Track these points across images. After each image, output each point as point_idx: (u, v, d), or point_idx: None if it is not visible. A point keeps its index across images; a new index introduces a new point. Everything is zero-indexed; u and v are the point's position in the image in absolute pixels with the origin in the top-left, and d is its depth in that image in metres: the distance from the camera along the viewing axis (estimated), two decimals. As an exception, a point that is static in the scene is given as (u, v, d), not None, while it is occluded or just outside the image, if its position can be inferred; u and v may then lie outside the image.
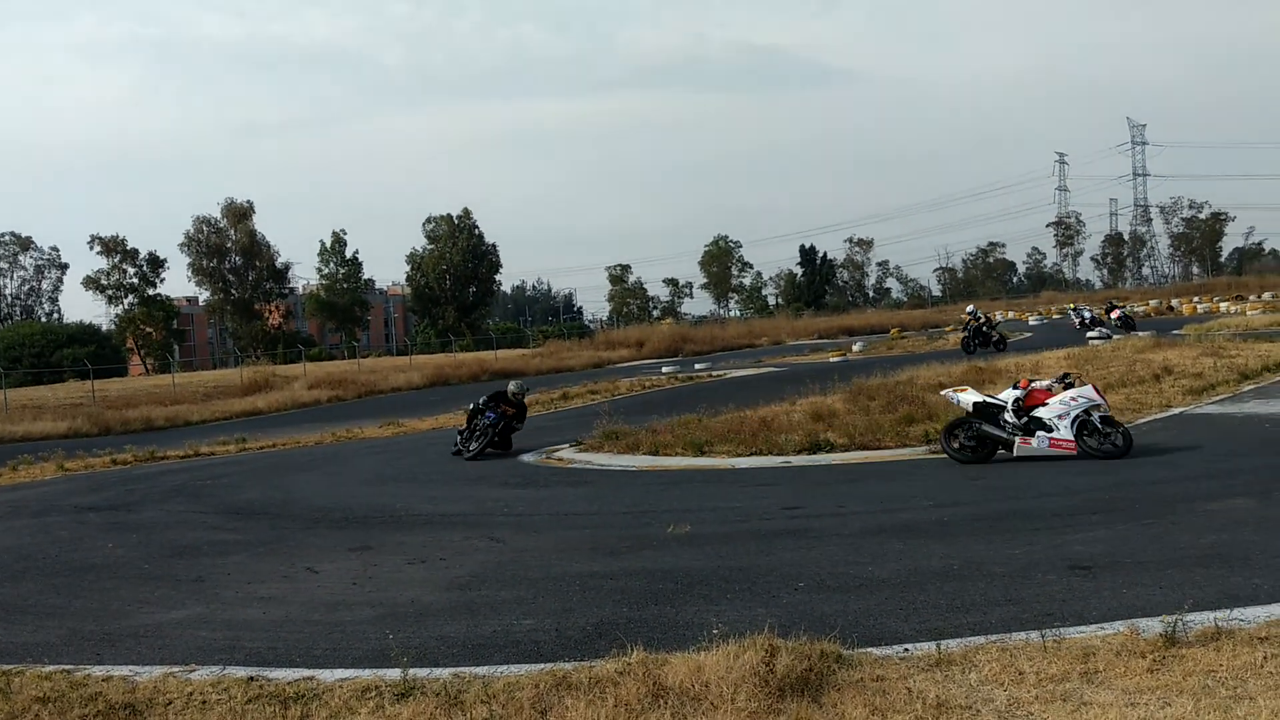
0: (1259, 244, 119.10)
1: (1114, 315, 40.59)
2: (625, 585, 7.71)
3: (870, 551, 8.29)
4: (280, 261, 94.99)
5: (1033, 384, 13.25)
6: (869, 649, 5.68)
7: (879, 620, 6.35)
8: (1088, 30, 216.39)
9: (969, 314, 36.90)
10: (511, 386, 18.63)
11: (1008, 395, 13.15)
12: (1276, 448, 12.30)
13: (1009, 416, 12.87)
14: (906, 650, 5.64)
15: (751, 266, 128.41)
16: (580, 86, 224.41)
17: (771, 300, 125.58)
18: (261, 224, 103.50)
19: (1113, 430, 12.70)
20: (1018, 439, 12.67)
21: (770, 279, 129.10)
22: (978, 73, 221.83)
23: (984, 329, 35.52)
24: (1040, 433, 12.66)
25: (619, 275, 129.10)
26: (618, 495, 12.71)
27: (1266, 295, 63.27)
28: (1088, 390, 13.05)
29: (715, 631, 5.76)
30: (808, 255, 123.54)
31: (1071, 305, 53.05)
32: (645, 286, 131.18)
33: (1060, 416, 12.69)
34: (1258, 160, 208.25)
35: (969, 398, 13.43)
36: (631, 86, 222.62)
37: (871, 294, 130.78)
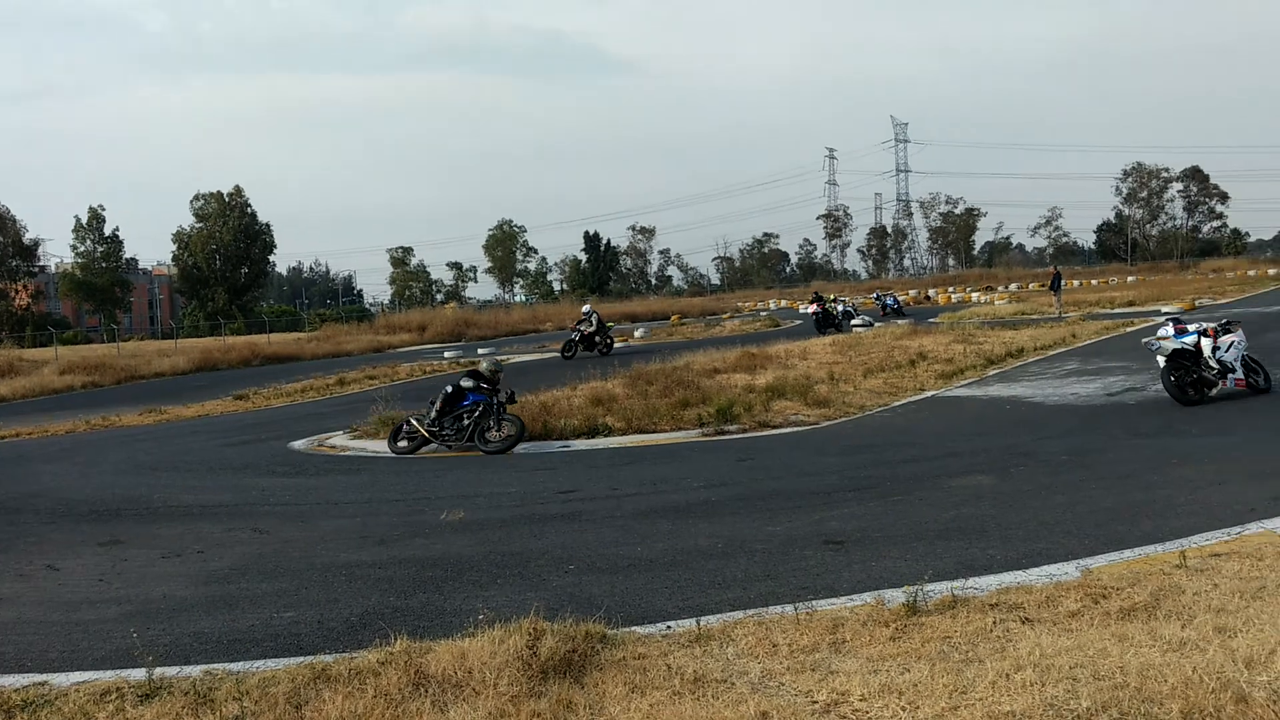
0: (1007, 239, 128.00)
1: (890, 301, 44.11)
2: (393, 574, 7.56)
3: (641, 532, 8.44)
4: (29, 238, 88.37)
5: (1208, 330, 14.52)
6: (633, 628, 5.77)
7: (645, 599, 6.47)
8: (853, 31, 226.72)
9: (815, 299, 38.63)
10: (486, 366, 15.89)
11: (1195, 341, 14.37)
12: (1015, 427, 13.26)
13: (1211, 361, 14.24)
14: (669, 628, 5.77)
15: (536, 252, 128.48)
16: (362, 64, 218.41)
17: (557, 286, 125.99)
18: (7, 197, 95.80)
19: (1260, 369, 14.70)
20: (1219, 381, 14.24)
21: (555, 265, 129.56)
22: (754, 68, 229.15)
23: (830, 311, 37.74)
24: (1229, 374, 14.33)
25: (401, 258, 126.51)
26: (391, 483, 12.45)
27: (1013, 286, 68.23)
28: (1242, 334, 14.79)
29: (482, 617, 5.72)
30: (592, 242, 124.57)
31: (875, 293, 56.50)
32: (429, 270, 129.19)
33: (1236, 360, 14.41)
34: (1006, 160, 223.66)
35: (1170, 344, 14.46)
36: (415, 67, 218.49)
37: (654, 281, 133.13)
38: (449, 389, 15.14)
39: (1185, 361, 14.33)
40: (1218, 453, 10.45)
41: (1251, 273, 67.06)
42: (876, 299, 48.15)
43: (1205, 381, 14.28)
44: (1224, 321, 15.11)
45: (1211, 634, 4.83)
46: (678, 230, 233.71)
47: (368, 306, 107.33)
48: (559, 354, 33.12)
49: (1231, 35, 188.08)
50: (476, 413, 14.70)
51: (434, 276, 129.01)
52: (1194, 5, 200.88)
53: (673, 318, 61.37)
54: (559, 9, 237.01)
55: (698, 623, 5.71)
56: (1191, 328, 14.73)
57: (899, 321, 33.54)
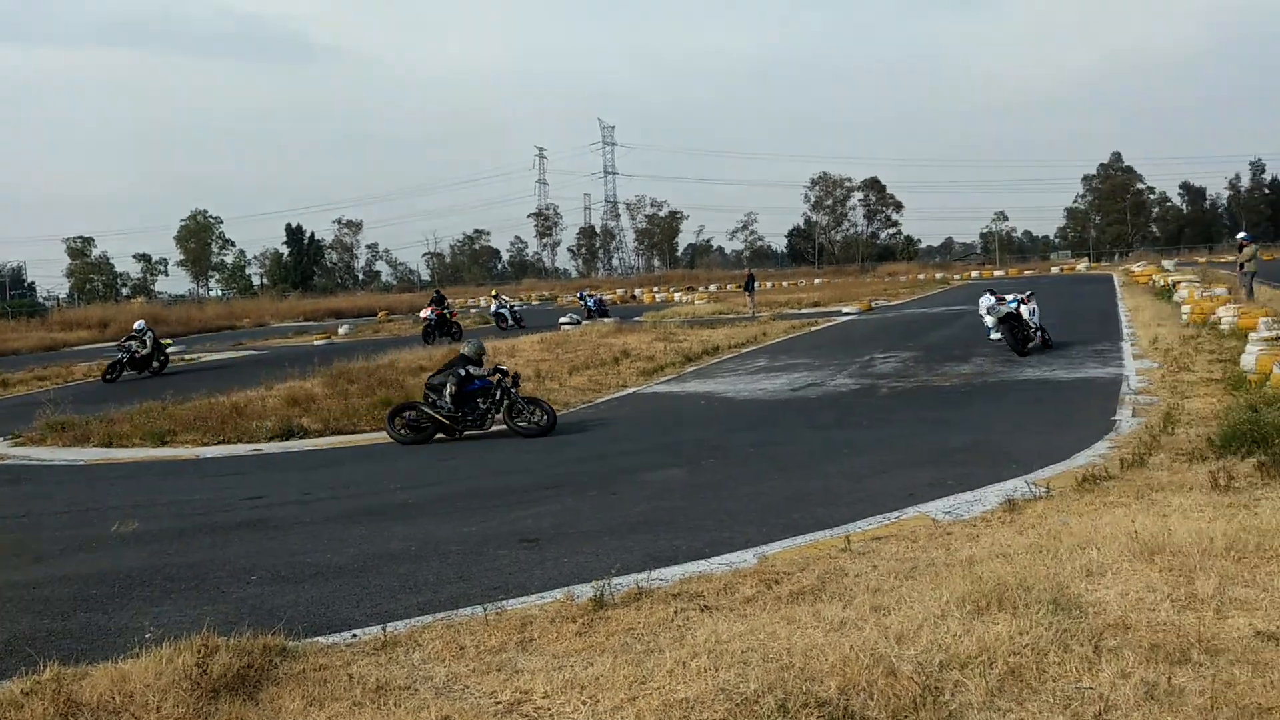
0: (708, 241, 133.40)
1: (591, 303, 44.04)
2: (50, 594, 6.93)
3: (331, 538, 8.17)
4: None
5: (1023, 299, 19.59)
6: (316, 639, 5.56)
7: (331, 608, 6.25)
8: (562, 31, 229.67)
9: (434, 300, 36.95)
10: (472, 349, 14.91)
11: (1016, 306, 19.39)
12: (709, 422, 13.85)
13: (1030, 321, 19.25)
14: (354, 636, 5.60)
15: (234, 244, 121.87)
16: (36, 36, 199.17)
17: (256, 280, 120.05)
18: None
19: (1045, 331, 19.84)
20: (1035, 336, 19.37)
21: (255, 258, 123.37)
22: (465, 62, 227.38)
23: (447, 317, 34.93)
24: (1038, 331, 19.39)
25: (80, 249, 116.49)
26: (57, 493, 11.45)
27: (713, 287, 71.22)
28: (1036, 304, 19.94)
29: (149, 636, 5.34)
30: (294, 235, 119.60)
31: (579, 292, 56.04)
32: (113, 262, 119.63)
33: (1037, 321, 19.39)
34: (708, 166, 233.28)
35: (1004, 309, 19.33)
36: (99, 41, 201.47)
37: (361, 276, 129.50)
38: (461, 373, 14.20)
39: (1014, 322, 19.04)
40: (884, 443, 11.33)
41: (921, 276, 73.29)
42: (580, 298, 48.76)
43: (1028, 337, 19.13)
44: (1029, 293, 20.18)
45: (869, 613, 5.20)
46: (387, 224, 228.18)
47: (41, 300, 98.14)
48: (253, 352, 31.40)
49: (905, 54, 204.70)
50: (493, 395, 14.17)
51: (120, 269, 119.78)
52: (870, 26, 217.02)
53: (380, 314, 59.92)
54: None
55: (384, 629, 5.57)
56: (1009, 297, 19.79)
57: (604, 320, 34.28)
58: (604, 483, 9.88)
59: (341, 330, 43.74)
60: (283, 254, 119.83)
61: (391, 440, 13.66)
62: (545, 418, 13.94)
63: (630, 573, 6.37)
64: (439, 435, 13.89)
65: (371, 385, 17.83)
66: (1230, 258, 35.75)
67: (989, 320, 19.68)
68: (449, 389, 14.07)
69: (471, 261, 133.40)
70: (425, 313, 35.05)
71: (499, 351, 23.71)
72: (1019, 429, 11.65)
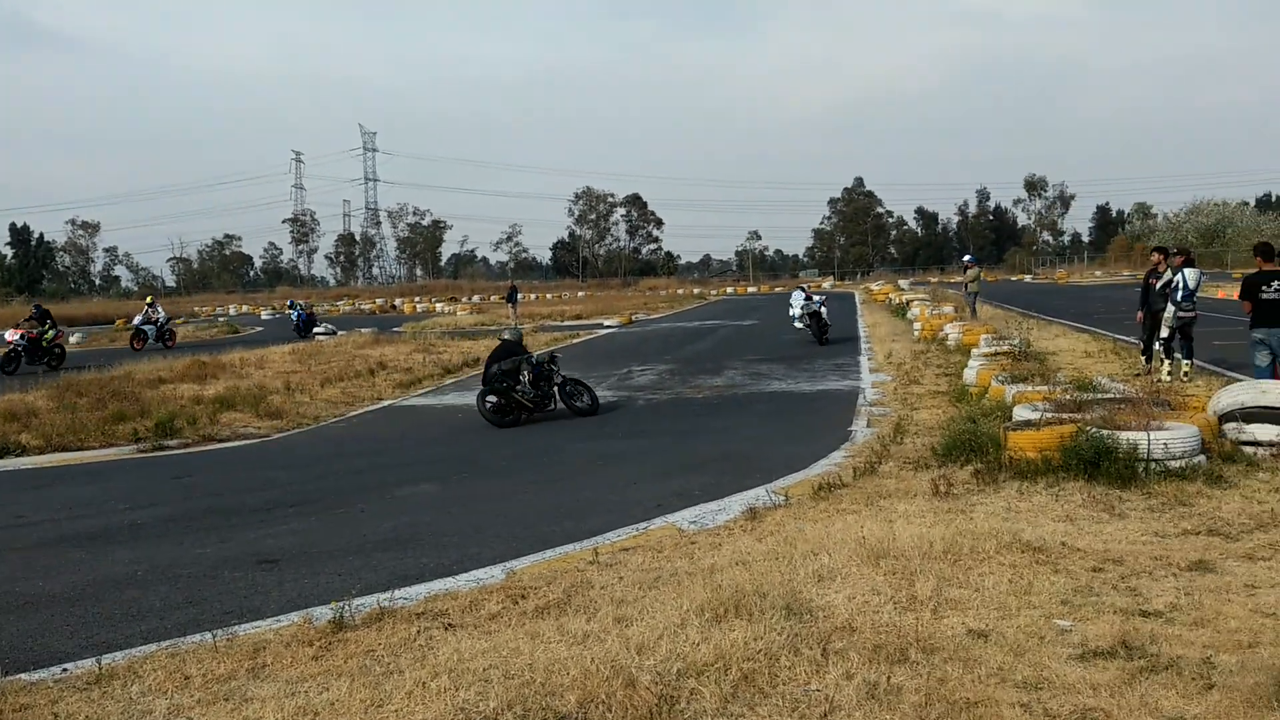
0: (472, 251, 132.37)
1: (296, 314, 40.40)
2: None
3: (45, 565, 7.53)
4: None
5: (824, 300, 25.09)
6: (19, 676, 5.10)
7: (41, 641, 5.75)
8: (322, 31, 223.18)
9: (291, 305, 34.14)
10: (512, 334, 16.25)
11: (819, 306, 24.78)
12: (465, 435, 13.70)
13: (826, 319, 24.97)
14: (65, 670, 5.17)
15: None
16: None
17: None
18: None
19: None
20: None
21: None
22: (216, 58, 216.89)
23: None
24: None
25: None
26: None
27: (476, 298, 70.78)
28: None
29: None
30: (20, 235, 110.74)
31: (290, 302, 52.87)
32: None
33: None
34: (472, 176, 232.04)
35: (812, 307, 24.39)
36: None
37: (98, 281, 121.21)
38: (532, 359, 15.28)
39: (818, 318, 24.38)
40: (636, 454, 11.54)
41: (680, 291, 75.41)
42: (291, 306, 45.91)
43: (824, 330, 24.56)
44: (824, 297, 25.99)
45: (611, 625, 5.24)
46: (128, 227, 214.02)
47: None
48: None
49: (666, 76, 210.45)
50: (554, 379, 15.22)
51: None
52: (634, 47, 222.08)
53: (117, 322, 56.13)
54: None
55: (99, 662, 5.17)
56: (816, 297, 25.27)
57: (317, 333, 33.28)
58: (352, 499, 9.58)
59: (73, 339, 40.70)
60: (5, 255, 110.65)
61: (128, 458, 12.81)
62: (590, 399, 15.46)
63: (374, 592, 6.19)
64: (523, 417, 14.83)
65: (104, 398, 16.63)
66: (958, 278, 38.76)
67: (797, 311, 24.50)
68: (525, 374, 14.98)
69: (221, 268, 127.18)
70: (10, 335, 26.97)
71: (247, 363, 22.66)
72: (764, 439, 12.10)
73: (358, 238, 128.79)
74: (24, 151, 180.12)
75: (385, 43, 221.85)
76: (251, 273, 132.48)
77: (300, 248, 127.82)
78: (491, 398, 14.65)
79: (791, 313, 24.85)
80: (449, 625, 5.51)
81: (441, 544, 7.59)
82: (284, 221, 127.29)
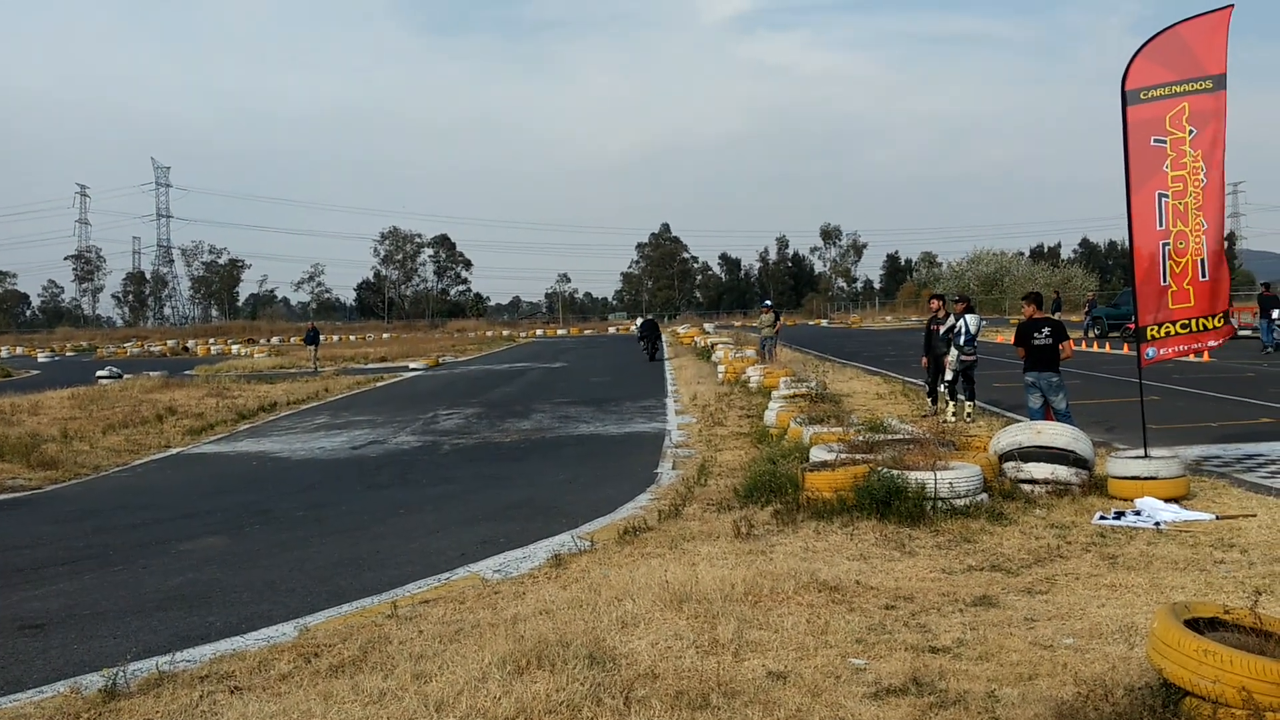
0: (272, 291, 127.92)
1: None
2: None
3: None
4: None
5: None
6: None
7: None
8: (113, 59, 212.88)
9: None
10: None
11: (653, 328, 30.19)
12: (258, 484, 13.11)
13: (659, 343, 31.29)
14: None
15: None
16: None
17: None
18: None
19: None
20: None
21: None
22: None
23: None
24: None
25: None
26: None
27: (275, 339, 68.30)
28: None
29: None
30: None
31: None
32: None
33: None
34: (272, 214, 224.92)
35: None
36: None
37: None
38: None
39: (652, 338, 32.12)
40: (441, 501, 11.29)
41: (489, 333, 74.95)
42: None
43: (656, 349, 30.57)
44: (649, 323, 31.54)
45: (410, 681, 5.05)
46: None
47: None
48: None
49: (475, 115, 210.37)
50: None
51: None
52: (443, 86, 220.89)
53: None
54: None
55: None
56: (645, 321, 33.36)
57: (151, 374, 31.67)
58: (132, 555, 8.99)
59: None
60: None
61: None
62: None
63: (153, 655, 5.80)
64: None
65: None
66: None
67: (636, 332, 33.15)
68: None
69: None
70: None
71: (19, 409, 21.12)
72: (571, 484, 12.06)
73: (148, 276, 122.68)
74: None
75: (181, 74, 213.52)
76: (28, 312, 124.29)
77: (84, 286, 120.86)
78: None
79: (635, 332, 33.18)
80: (235, 689, 5.20)
81: (229, 601, 7.19)
82: (66, 258, 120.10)
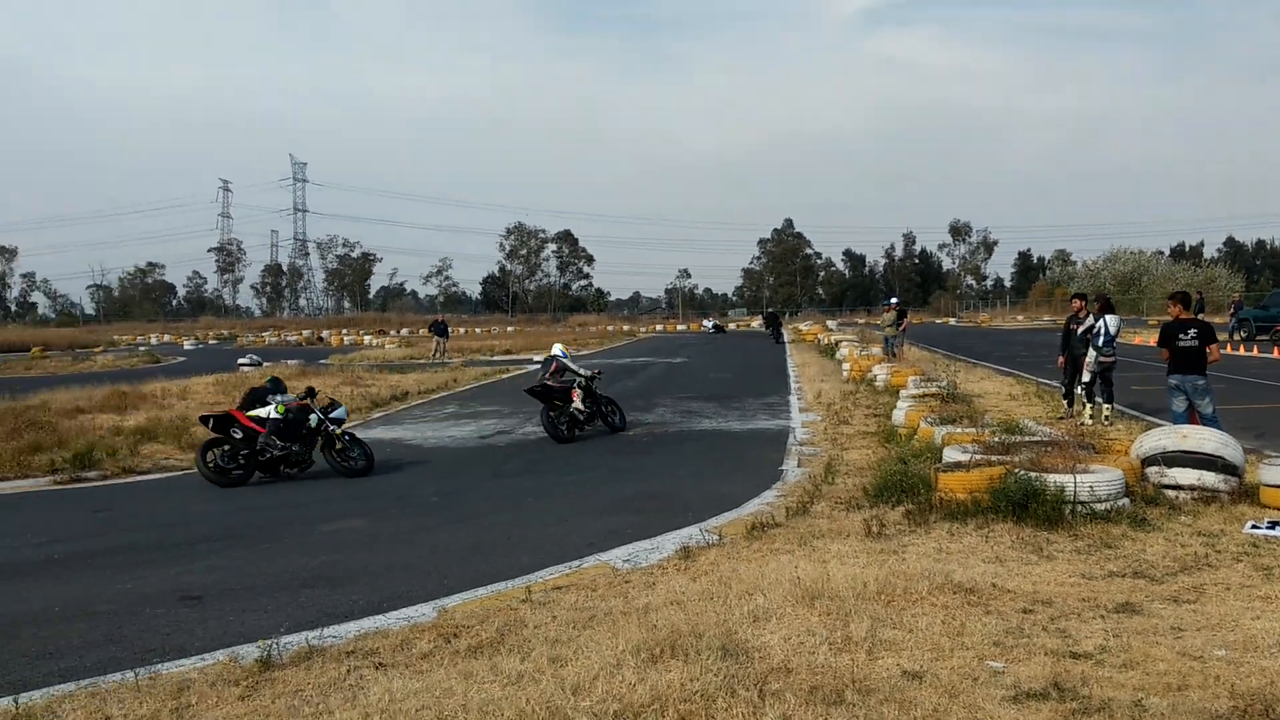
0: (401, 284, 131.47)
1: None
2: None
3: (-44, 600, 7.26)
4: None
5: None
6: (-70, 715, 4.90)
7: (-49, 681, 5.53)
8: (255, 62, 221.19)
9: None
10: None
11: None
12: (391, 470, 13.49)
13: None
14: (-21, 711, 4.98)
15: None
16: None
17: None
18: None
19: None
20: None
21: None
22: (145, 85, 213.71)
23: None
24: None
25: None
26: None
27: (405, 331, 70.11)
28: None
29: None
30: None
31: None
32: None
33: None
34: (403, 209, 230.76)
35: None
36: None
37: (14, 308, 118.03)
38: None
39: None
40: (567, 491, 11.47)
41: (610, 328, 75.50)
42: None
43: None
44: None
45: (546, 665, 5.18)
46: (47, 252, 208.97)
47: None
48: None
49: (599, 113, 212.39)
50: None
51: None
52: (566, 83, 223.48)
53: (33, 349, 54.58)
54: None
55: (15, 701, 4.98)
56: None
57: (288, 363, 32.84)
58: (278, 534, 9.39)
59: (-16, 365, 39.56)
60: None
61: (43, 489, 12.42)
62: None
63: (302, 630, 6.06)
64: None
65: (19, 428, 16.10)
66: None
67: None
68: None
69: (143, 296, 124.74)
70: None
71: (170, 394, 22.18)
72: (695, 478, 12.11)
73: (285, 268, 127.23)
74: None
75: (320, 73, 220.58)
76: (174, 302, 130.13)
77: (225, 277, 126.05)
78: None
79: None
80: (380, 665, 5.41)
81: (371, 581, 7.45)
82: (209, 250, 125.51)
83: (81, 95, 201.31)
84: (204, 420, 13.21)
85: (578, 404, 15.99)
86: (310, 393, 13.62)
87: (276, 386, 13.51)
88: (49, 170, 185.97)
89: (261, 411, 12.83)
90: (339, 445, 13.14)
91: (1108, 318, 14.27)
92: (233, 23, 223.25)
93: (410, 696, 4.83)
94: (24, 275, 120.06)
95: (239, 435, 12.60)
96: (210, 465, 12.45)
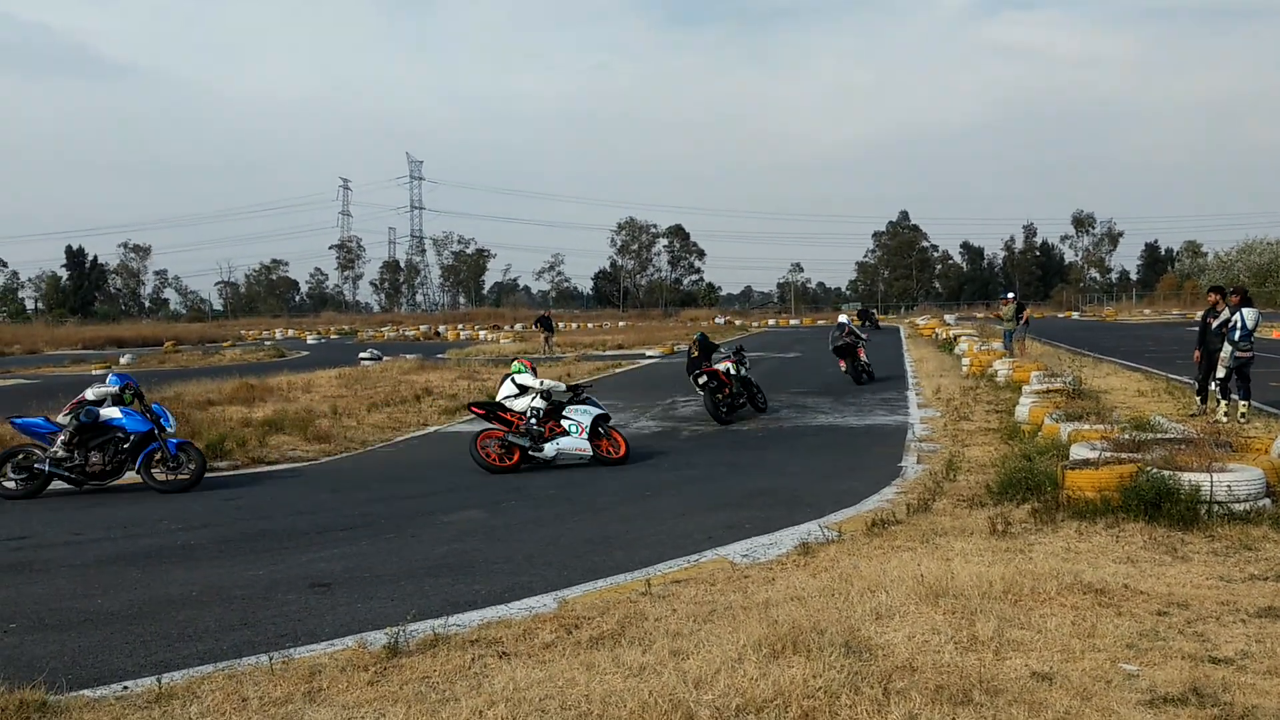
0: (515, 280, 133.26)
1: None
2: None
3: (104, 582, 7.60)
4: None
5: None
6: (83, 691, 5.13)
7: (101, 658, 5.79)
8: (371, 65, 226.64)
9: None
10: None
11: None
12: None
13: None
14: (126, 688, 5.19)
15: (6, 265, 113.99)
16: None
17: (30, 305, 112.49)
18: None
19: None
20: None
21: (29, 280, 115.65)
22: (267, 88, 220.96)
23: None
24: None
25: None
26: None
27: (519, 326, 71.01)
28: None
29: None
30: (75, 258, 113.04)
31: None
32: None
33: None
34: (515, 206, 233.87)
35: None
36: None
37: (148, 304, 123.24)
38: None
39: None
40: (684, 485, 11.48)
41: (721, 322, 75.42)
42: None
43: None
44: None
45: (668, 657, 5.19)
46: (177, 250, 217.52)
47: None
48: (22, 381, 28.83)
49: (710, 109, 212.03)
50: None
51: None
52: (677, 79, 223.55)
53: (166, 344, 56.94)
54: (49, 3, 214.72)
55: (159, 681, 5.20)
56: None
57: (406, 356, 33.62)
58: (401, 524, 9.61)
59: (123, 360, 41.42)
60: (61, 277, 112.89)
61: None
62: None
63: (427, 618, 6.18)
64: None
65: (154, 419, 16.82)
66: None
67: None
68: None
69: (268, 292, 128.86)
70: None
71: (294, 387, 22.90)
72: (812, 474, 12.00)
73: (402, 265, 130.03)
74: (80, 176, 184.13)
75: (433, 74, 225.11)
76: (297, 297, 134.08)
77: (346, 274, 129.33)
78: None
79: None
80: (503, 653, 5.49)
81: (492, 571, 7.57)
82: (330, 247, 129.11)
83: (208, 99, 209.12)
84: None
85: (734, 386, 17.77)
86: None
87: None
88: (180, 171, 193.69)
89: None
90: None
91: (1245, 310, 13.67)
92: (348, 25, 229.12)
93: (534, 686, 4.89)
94: (157, 273, 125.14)
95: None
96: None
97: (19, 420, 12.64)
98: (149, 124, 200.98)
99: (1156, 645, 5.19)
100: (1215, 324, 14.28)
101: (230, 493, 11.87)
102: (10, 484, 11.73)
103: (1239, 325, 13.54)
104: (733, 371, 17.89)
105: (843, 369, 23.73)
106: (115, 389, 12.43)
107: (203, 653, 5.81)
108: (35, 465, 11.79)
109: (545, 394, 13.52)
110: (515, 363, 14.54)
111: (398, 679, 5.17)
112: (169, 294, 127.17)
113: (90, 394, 12.36)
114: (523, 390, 13.71)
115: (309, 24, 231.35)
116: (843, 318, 25.85)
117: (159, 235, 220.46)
